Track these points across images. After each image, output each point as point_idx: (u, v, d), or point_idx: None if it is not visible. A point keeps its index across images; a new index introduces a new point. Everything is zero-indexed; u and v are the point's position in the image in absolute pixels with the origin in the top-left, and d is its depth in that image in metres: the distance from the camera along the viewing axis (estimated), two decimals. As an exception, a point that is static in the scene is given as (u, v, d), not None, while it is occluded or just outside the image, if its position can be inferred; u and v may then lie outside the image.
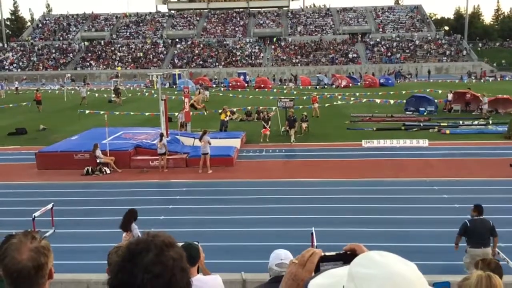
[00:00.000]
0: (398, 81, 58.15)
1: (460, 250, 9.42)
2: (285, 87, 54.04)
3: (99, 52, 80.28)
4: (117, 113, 30.91)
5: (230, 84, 53.34)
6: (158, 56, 78.86)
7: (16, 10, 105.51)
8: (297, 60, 75.83)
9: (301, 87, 52.44)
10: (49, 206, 12.47)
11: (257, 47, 79.75)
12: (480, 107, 30.78)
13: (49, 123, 30.01)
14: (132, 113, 30.82)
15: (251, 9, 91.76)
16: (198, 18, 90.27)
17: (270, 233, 12.11)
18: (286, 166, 19.82)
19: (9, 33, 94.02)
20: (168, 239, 1.50)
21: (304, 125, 25.40)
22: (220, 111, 27.08)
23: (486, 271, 3.06)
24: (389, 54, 76.29)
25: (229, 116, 27.79)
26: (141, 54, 79.15)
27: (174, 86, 52.74)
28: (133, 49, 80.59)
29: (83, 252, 11.29)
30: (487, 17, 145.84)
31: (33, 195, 15.95)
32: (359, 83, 54.61)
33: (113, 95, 43.04)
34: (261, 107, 30.21)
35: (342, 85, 52.00)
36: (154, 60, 77.63)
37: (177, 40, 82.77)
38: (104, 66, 76.94)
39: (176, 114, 27.27)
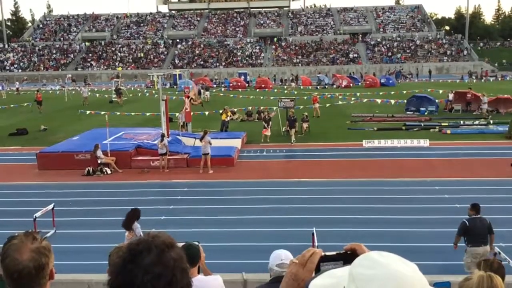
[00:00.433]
0: (399, 81, 58.12)
1: (459, 250, 9.42)
2: (285, 87, 54.07)
3: (100, 53, 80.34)
4: (118, 113, 30.93)
5: (231, 85, 53.35)
6: (158, 56, 78.90)
7: (17, 10, 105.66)
8: (297, 60, 75.83)
9: (301, 87, 52.45)
10: (50, 206, 12.49)
11: (257, 47, 79.76)
12: (480, 106, 30.80)
13: (50, 123, 30.02)
14: (133, 113, 30.84)
15: (251, 9, 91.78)
16: (198, 19, 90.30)
17: (271, 233, 12.11)
18: (287, 166, 19.81)
19: (10, 33, 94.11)
20: (169, 240, 1.50)
21: (305, 125, 25.40)
22: (221, 111, 27.09)
23: (489, 271, 3.05)
24: (389, 54, 76.26)
25: (230, 116, 27.80)
26: (142, 55, 79.19)
27: (175, 87, 52.76)
28: (133, 50, 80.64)
29: (84, 252, 11.30)
30: (488, 17, 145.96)
31: (34, 196, 15.97)
32: (359, 83, 54.60)
33: (114, 96, 43.08)
34: (261, 107, 30.21)
35: (343, 85, 51.99)
36: (154, 61, 77.67)
37: (177, 40, 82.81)
38: (105, 67, 76.98)
39: (177, 114, 27.27)
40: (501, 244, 10.15)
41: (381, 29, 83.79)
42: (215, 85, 56.35)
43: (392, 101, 32.88)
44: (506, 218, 12.80)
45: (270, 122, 24.02)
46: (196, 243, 4.79)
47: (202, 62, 76.38)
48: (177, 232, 11.32)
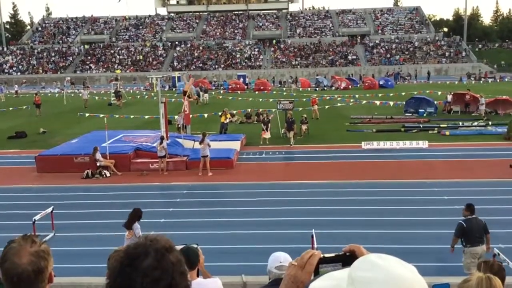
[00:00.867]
0: (398, 83, 58.17)
1: (458, 251, 9.45)
2: (284, 88, 54.13)
3: (99, 55, 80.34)
4: (117, 116, 30.92)
5: (230, 87, 53.35)
6: (157, 58, 78.91)
7: (15, 13, 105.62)
8: (296, 62, 75.88)
9: (300, 89, 52.49)
10: (49, 209, 12.47)
11: (256, 50, 79.81)
12: (477, 108, 30.89)
13: (48, 126, 30.00)
14: (132, 116, 30.83)
15: (250, 12, 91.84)
16: (197, 21, 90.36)
17: (270, 235, 12.11)
18: (286, 168, 19.82)
19: (8, 36, 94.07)
20: (167, 243, 1.50)
21: (304, 127, 25.40)
22: (220, 113, 27.10)
23: (489, 273, 3.05)
24: (388, 55, 76.35)
25: (229, 118, 27.81)
26: (141, 57, 79.19)
27: (174, 89, 52.76)
28: (132, 52, 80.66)
29: (83, 255, 11.28)
30: (486, 18, 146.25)
31: (33, 199, 15.95)
32: (358, 85, 54.63)
33: (113, 98, 43.06)
34: (260, 110, 30.22)
35: (342, 87, 52.03)
36: (153, 63, 77.67)
37: (176, 42, 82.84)
38: (104, 69, 76.97)
39: (176, 117, 27.28)
40: (500, 245, 10.14)
41: (380, 31, 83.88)
42: (214, 87, 56.37)
43: (391, 103, 32.90)
44: (505, 219, 12.82)
45: (269, 124, 24.02)
46: (195, 246, 4.78)
47: (201, 65, 76.41)
48: (176, 235, 11.32)
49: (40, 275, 2.01)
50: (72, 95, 49.71)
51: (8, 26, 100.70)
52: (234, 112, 31.43)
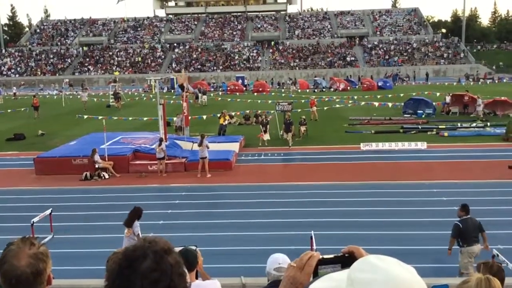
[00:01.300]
0: (396, 84, 58.23)
1: (454, 253, 9.51)
2: (283, 90, 54.15)
3: (97, 57, 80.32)
4: (116, 118, 30.89)
5: (229, 88, 53.35)
6: (156, 60, 78.92)
7: (14, 15, 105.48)
8: (295, 64, 75.94)
9: (299, 90, 52.53)
10: (48, 211, 12.45)
11: (255, 51, 79.85)
12: (475, 109, 30.97)
13: (47, 128, 29.97)
14: (130, 118, 30.81)
15: (248, 13, 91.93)
16: (196, 23, 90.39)
17: (269, 237, 12.10)
18: (285, 169, 19.82)
19: (7, 38, 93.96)
20: (166, 245, 1.50)
21: (303, 128, 25.41)
22: (218, 115, 27.09)
23: (488, 274, 3.05)
24: (386, 57, 76.44)
25: (228, 120, 27.80)
26: (139, 59, 79.19)
27: (173, 91, 52.76)
28: (131, 54, 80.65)
29: (82, 257, 11.26)
30: (485, 20, 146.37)
31: (31, 201, 15.92)
32: (357, 86, 54.68)
33: (112, 100, 43.03)
34: (259, 111, 30.24)
35: (340, 88, 52.07)
36: (152, 65, 77.68)
37: (175, 44, 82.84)
38: (102, 71, 76.94)
39: (175, 119, 27.26)
40: (499, 246, 10.16)
41: (378, 32, 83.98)
42: (212, 89, 56.37)
43: (390, 104, 32.92)
44: (504, 220, 12.83)
45: (268, 126, 24.02)
46: (194, 248, 4.78)
47: (199, 66, 76.44)
48: (175, 237, 11.32)
49: (39, 277, 2.00)
50: (71, 97, 49.66)
51: (6, 28, 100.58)
52: (233, 113, 31.42)
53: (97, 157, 18.76)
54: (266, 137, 23.69)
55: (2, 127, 31.20)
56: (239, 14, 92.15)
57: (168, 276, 1.43)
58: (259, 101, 38.67)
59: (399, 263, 1.23)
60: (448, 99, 33.42)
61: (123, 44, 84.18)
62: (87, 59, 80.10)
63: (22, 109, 38.68)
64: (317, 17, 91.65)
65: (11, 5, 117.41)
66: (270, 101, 37.39)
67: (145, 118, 29.52)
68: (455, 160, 19.93)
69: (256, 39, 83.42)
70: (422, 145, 22.04)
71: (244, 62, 77.20)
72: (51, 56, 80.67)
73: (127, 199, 15.71)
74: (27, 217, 12.13)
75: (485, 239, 9.41)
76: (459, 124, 27.73)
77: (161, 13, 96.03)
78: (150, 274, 1.41)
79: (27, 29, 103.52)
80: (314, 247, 9.31)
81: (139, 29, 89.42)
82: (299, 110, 30.14)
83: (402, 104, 33.49)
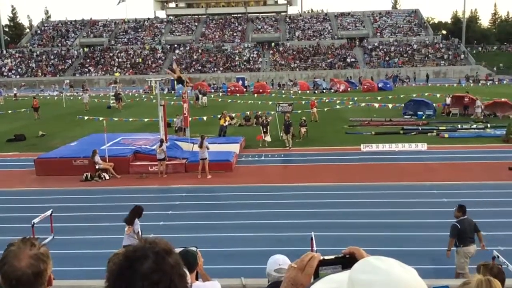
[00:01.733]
0: (396, 85, 58.23)
1: (453, 254, 9.53)
2: (283, 91, 54.15)
3: (98, 58, 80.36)
4: (116, 119, 30.89)
5: (229, 89, 53.37)
6: (156, 61, 78.96)
7: (14, 16, 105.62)
8: (295, 65, 75.95)
9: (299, 91, 52.54)
10: (48, 212, 12.45)
11: (255, 52, 79.88)
12: (474, 111, 31.00)
13: (48, 129, 29.99)
14: (131, 119, 30.82)
15: (249, 15, 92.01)
16: (196, 24, 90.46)
17: (269, 238, 12.10)
18: (285, 171, 19.81)
19: (7, 39, 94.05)
20: (166, 246, 1.50)
21: (303, 129, 25.40)
22: (219, 116, 27.09)
23: (488, 276, 3.05)
24: (387, 58, 76.46)
25: (228, 121, 27.80)
26: (140, 60, 79.24)
27: (173, 92, 52.79)
28: (131, 55, 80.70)
29: (82, 258, 11.26)
30: (485, 21, 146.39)
31: (32, 202, 15.92)
32: (357, 88, 54.69)
33: (112, 101, 43.04)
34: (259, 112, 30.23)
35: (341, 90, 52.08)
36: (152, 66, 77.72)
37: (175, 45, 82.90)
38: (103, 72, 76.98)
39: (174, 119, 27.26)
40: (500, 247, 10.15)
41: (378, 34, 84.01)
42: (212, 90, 56.38)
43: (390, 105, 32.89)
44: (505, 222, 12.82)
45: (268, 127, 24.00)
46: (194, 249, 4.78)
47: (200, 67, 76.47)
48: (175, 238, 11.31)
49: (40, 278, 2.00)
50: (71, 98, 49.68)
51: (7, 29, 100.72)
52: (233, 114, 31.42)
53: (97, 158, 18.76)
54: (268, 138, 23.65)
55: (2, 128, 31.21)
56: (240, 15, 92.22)
57: (168, 277, 1.44)
58: (259, 102, 38.68)
59: (400, 264, 1.23)
60: (448, 100, 33.43)
61: (123, 45, 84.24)
62: (88, 60, 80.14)
63: (23, 110, 38.68)
64: (317, 18, 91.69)
65: (12, 6, 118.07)
66: (270, 102, 37.39)
67: (145, 119, 29.53)
68: (455, 162, 19.93)
69: (256, 40, 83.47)
70: (422, 147, 22.04)
71: (245, 63, 77.22)
72: (52, 57, 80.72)
73: (128, 200, 15.69)
74: (27, 218, 12.13)
75: (481, 239, 9.51)
76: (459, 126, 27.72)
77: (162, 14, 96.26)
78: (151, 275, 1.42)
79: (27, 30, 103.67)
80: (315, 248, 9.31)
81: (139, 30, 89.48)
82: (299, 111, 30.13)
83: (402, 105, 33.47)
